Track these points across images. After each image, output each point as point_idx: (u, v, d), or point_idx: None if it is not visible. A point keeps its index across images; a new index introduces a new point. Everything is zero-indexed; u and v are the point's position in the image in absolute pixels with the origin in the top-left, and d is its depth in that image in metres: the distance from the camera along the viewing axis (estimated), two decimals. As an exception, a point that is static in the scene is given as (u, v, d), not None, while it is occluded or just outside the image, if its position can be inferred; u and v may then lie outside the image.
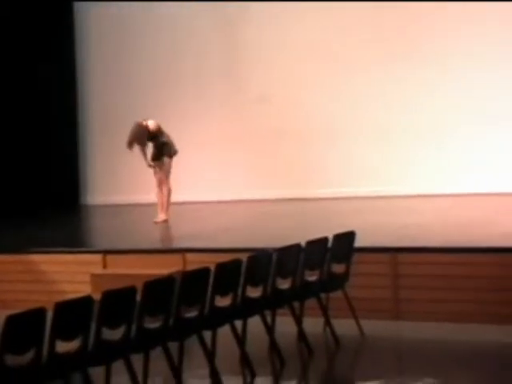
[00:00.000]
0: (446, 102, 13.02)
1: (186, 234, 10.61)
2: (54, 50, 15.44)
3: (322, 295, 7.27)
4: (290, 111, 14.08)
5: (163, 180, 11.33)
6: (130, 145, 11.26)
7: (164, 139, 11.29)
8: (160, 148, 11.28)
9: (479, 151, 12.82)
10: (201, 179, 14.45)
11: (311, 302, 7.19)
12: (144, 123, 11.30)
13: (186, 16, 14.73)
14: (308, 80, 13.95)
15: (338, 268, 7.34)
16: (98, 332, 5.26)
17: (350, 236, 7.50)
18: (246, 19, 14.35)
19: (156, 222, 11.30)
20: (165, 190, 11.35)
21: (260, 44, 14.28)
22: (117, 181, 15.19)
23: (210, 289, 6.09)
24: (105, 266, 9.18)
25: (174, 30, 14.84)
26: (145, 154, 11.34)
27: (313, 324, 7.21)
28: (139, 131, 11.27)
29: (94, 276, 8.85)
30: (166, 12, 14.81)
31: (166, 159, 11.29)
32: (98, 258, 9.21)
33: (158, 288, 5.75)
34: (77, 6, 15.70)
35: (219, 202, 13.81)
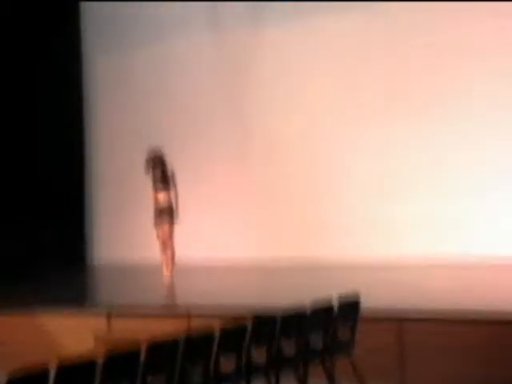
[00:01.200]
0: (460, 162, 12.90)
1: (191, 294, 10.58)
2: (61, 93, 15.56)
3: (327, 360, 7.20)
4: (295, 172, 14.08)
5: (166, 242, 11.33)
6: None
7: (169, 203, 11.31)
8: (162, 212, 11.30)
9: (487, 216, 12.74)
10: (206, 238, 14.45)
11: (316, 367, 7.11)
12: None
13: (192, 76, 14.90)
14: (318, 137, 13.96)
15: (344, 334, 7.28)
16: (101, 394, 5.21)
17: (355, 301, 7.45)
18: (255, 68, 14.42)
19: (162, 282, 11.26)
20: (169, 252, 11.35)
21: (269, 101, 14.33)
22: (123, 239, 15.21)
23: (214, 352, 6.04)
24: (109, 326, 9.13)
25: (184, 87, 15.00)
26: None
27: (318, 389, 7.13)
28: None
29: (97, 337, 8.80)
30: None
31: (166, 225, 11.29)
32: (102, 317, 9.16)
33: (162, 350, 5.70)
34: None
35: (225, 262, 13.77)
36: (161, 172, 11.38)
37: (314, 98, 13.93)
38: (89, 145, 15.99)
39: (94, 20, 15.94)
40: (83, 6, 16.09)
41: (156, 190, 11.36)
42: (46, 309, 9.68)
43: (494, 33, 12.49)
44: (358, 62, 13.59)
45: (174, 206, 11.32)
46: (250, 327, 6.40)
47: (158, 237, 11.45)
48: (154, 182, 11.38)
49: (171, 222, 11.29)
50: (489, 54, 12.55)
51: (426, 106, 13.08)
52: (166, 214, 11.28)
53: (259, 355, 6.50)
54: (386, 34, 13.33)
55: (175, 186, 11.38)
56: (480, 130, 12.66)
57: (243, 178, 14.47)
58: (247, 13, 14.43)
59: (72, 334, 9.23)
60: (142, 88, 15.39)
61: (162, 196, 11.34)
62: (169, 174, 11.38)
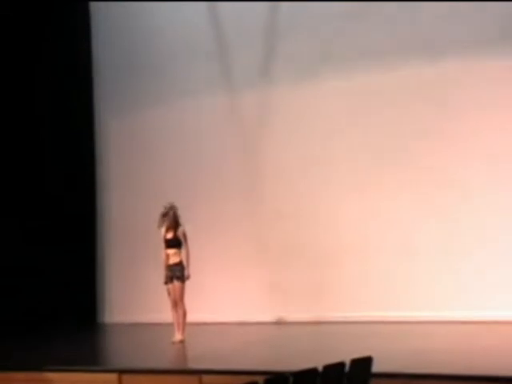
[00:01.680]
0: (465, 224, 12.97)
1: (202, 355, 10.56)
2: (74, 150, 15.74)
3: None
4: (303, 231, 14.04)
5: (178, 301, 11.36)
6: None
7: (180, 261, 11.38)
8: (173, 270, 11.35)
9: (496, 277, 12.73)
10: (216, 299, 14.42)
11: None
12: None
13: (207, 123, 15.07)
14: (320, 200, 14.00)
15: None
16: None
17: (367, 361, 7.44)
18: (268, 128, 14.54)
19: (173, 343, 11.27)
20: (180, 311, 11.37)
21: (283, 161, 14.40)
22: (134, 299, 15.19)
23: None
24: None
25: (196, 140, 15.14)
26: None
27: None
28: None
29: (108, 396, 8.80)
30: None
31: (176, 283, 11.33)
32: (113, 377, 9.16)
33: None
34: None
35: (235, 323, 13.75)
36: (173, 229, 11.44)
37: (325, 158, 14.01)
38: (100, 201, 16.05)
39: (105, 81, 16.13)
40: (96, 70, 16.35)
41: (167, 247, 11.42)
42: (56, 368, 9.68)
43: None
44: (371, 119, 13.70)
45: (184, 263, 11.38)
46: (261, 388, 6.40)
47: (168, 294, 11.48)
48: (166, 239, 11.44)
49: (182, 280, 11.33)
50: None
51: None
52: (177, 272, 11.32)
53: (271, 416, 6.48)
54: (400, 91, 13.49)
55: (186, 243, 11.44)
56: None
57: (253, 238, 14.50)
58: (260, 73, 14.61)
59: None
60: (155, 147, 15.49)
61: (172, 253, 11.40)
62: (180, 231, 11.44)
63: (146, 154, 15.55)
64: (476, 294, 12.72)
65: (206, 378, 8.69)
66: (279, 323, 13.67)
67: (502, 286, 12.55)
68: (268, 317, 13.81)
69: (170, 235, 11.42)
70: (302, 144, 14.22)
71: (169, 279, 11.38)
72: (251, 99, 14.67)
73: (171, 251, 11.39)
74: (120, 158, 15.87)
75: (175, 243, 11.38)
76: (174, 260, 11.39)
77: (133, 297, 15.22)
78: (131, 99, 15.74)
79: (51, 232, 15.36)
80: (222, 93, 14.92)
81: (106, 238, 15.95)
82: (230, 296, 14.43)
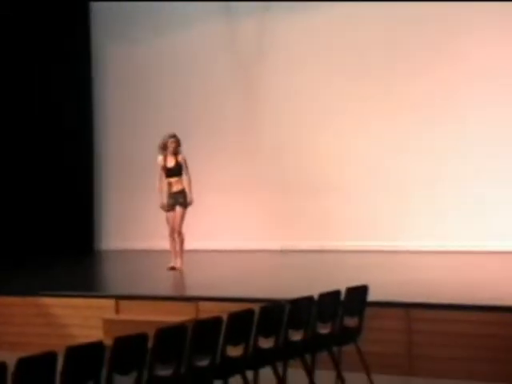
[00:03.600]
0: (461, 156, 12.97)
1: (199, 282, 10.61)
2: (73, 89, 15.62)
3: (334, 348, 7.22)
4: (304, 162, 14.10)
5: (177, 228, 11.34)
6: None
7: (183, 188, 11.33)
8: (175, 197, 11.32)
9: (495, 208, 12.75)
10: (215, 227, 14.48)
11: (323, 355, 7.14)
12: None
13: (203, 58, 14.90)
14: (324, 130, 13.99)
15: (351, 321, 7.29)
16: (109, 378, 5.24)
17: (363, 289, 7.46)
18: (266, 61, 14.42)
19: (170, 269, 11.29)
20: (179, 238, 11.36)
21: (275, 93, 14.35)
22: (131, 226, 15.24)
23: (221, 338, 6.07)
24: (117, 312, 9.17)
25: (196, 76, 15.00)
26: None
27: (324, 377, 7.15)
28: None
29: (105, 321, 8.84)
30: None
31: (178, 209, 11.31)
32: (110, 303, 9.20)
33: (170, 335, 5.73)
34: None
35: (233, 251, 13.81)
36: (174, 157, 11.36)
37: (325, 91, 13.93)
38: (98, 133, 15.99)
39: (103, 13, 15.87)
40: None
41: (169, 176, 11.34)
42: (54, 293, 9.72)
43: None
44: (370, 54, 13.61)
45: (187, 190, 11.33)
46: (257, 315, 6.42)
47: (167, 222, 11.45)
48: (167, 168, 11.35)
49: (185, 206, 11.29)
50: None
51: (430, 98, 13.17)
52: (180, 199, 11.28)
53: (267, 343, 6.52)
54: (395, 26, 13.36)
55: (188, 169, 11.37)
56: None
57: (254, 169, 14.48)
58: (259, 6, 14.40)
59: (80, 316, 9.27)
60: (152, 80, 15.38)
61: (174, 181, 11.33)
62: (181, 158, 11.37)
63: (143, 86, 15.45)
64: (476, 224, 12.77)
65: (202, 304, 8.72)
66: (283, 251, 13.73)
67: (501, 216, 12.61)
68: (267, 245, 13.87)
69: (171, 164, 11.33)
70: (303, 78, 14.14)
71: (171, 207, 11.33)
72: (251, 32, 14.52)
73: (173, 179, 11.32)
74: (117, 90, 15.78)
75: (177, 171, 11.32)
76: (177, 188, 11.33)
77: (130, 224, 15.27)
78: (129, 30, 15.55)
79: (50, 163, 15.35)
80: (221, 25, 14.75)
81: (104, 167, 15.93)
82: (229, 225, 14.48)
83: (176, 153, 11.33)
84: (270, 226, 14.25)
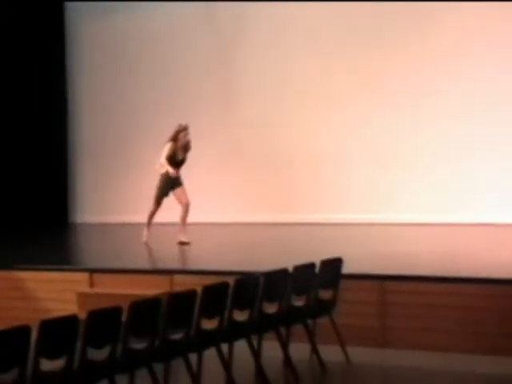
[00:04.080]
0: (436, 130, 13.05)
1: (174, 255, 10.59)
2: (45, 65, 15.47)
3: (309, 321, 7.24)
4: (282, 136, 14.11)
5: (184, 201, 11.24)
6: None
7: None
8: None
9: (470, 181, 12.82)
10: (195, 200, 14.42)
11: (298, 328, 7.16)
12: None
13: (181, 32, 14.79)
14: (301, 105, 14.00)
15: (326, 294, 7.32)
16: (83, 352, 5.22)
17: (337, 262, 7.48)
18: (241, 44, 14.40)
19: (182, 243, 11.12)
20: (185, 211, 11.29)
21: (255, 65, 14.33)
22: (106, 200, 15.19)
23: (196, 311, 6.06)
24: (91, 285, 9.13)
25: (169, 46, 14.89)
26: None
27: (299, 350, 7.18)
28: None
29: (80, 295, 8.81)
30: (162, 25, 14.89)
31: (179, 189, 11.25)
32: (84, 276, 9.17)
33: (145, 309, 5.72)
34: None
35: (208, 224, 13.79)
36: (184, 152, 11.18)
37: (306, 64, 13.93)
38: (72, 107, 15.88)
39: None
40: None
41: (177, 166, 11.16)
42: (28, 267, 9.66)
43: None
44: (348, 33, 13.63)
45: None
46: (232, 288, 6.42)
47: (154, 206, 11.26)
48: (178, 160, 11.13)
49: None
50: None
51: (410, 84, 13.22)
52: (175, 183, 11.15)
53: (241, 316, 6.53)
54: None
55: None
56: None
57: (233, 145, 14.46)
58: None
59: (55, 290, 9.23)
60: (128, 57, 15.27)
61: (175, 172, 11.16)
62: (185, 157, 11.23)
63: (120, 65, 15.33)
64: (452, 196, 12.84)
65: (177, 277, 8.70)
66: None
67: (476, 190, 12.70)
68: (243, 219, 13.86)
69: (181, 156, 11.17)
70: (278, 55, 14.12)
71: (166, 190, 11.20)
72: (227, 9, 14.43)
73: (175, 169, 11.14)
74: (93, 66, 15.65)
75: (179, 164, 11.16)
76: (173, 174, 11.16)
77: (104, 197, 15.21)
78: (103, 13, 15.41)
79: (24, 137, 15.24)
80: (200, 6, 14.65)
81: (79, 141, 15.84)
82: (205, 199, 14.43)
83: (187, 150, 11.15)
84: (246, 199, 14.24)
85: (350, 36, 13.65)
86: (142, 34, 15.17)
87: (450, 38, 12.96)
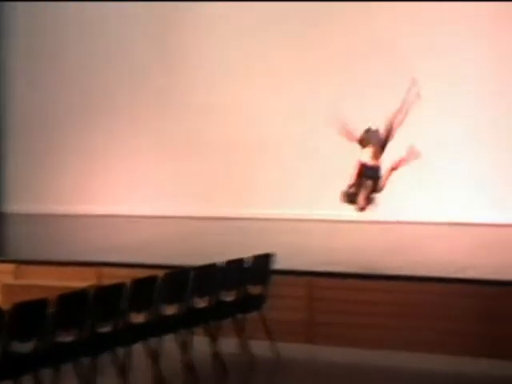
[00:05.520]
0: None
1: (104, 247, 10.45)
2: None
3: (239, 316, 7.23)
4: (222, 128, 14.01)
5: None
6: None
7: None
8: None
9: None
10: (128, 192, 14.27)
11: (227, 323, 7.14)
12: None
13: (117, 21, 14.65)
14: (234, 93, 13.93)
15: (255, 289, 7.32)
16: (7, 344, 5.11)
17: (267, 257, 7.48)
18: (177, 32, 14.29)
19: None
20: None
21: (188, 56, 14.23)
22: (35, 190, 14.92)
23: (125, 304, 5.99)
24: (17, 277, 8.96)
25: (106, 35, 14.72)
26: None
27: (229, 344, 7.16)
28: None
29: (5, 286, 8.63)
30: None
31: None
32: (10, 267, 9.00)
33: (72, 301, 5.63)
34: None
35: (145, 217, 13.64)
36: None
37: (237, 53, 13.89)
38: (3, 95, 15.58)
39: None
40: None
41: None
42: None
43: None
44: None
45: None
46: (161, 281, 6.37)
47: None
48: None
49: None
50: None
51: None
52: None
53: (170, 310, 6.48)
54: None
55: None
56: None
57: (162, 133, 14.34)
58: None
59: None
60: (60, 42, 15.03)
61: None
62: None
63: (52, 50, 15.06)
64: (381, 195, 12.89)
65: (105, 270, 8.59)
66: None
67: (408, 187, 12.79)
68: (173, 211, 13.74)
69: None
70: (213, 40, 14.03)
71: None
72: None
73: None
74: (21, 51, 15.37)
75: None
76: None
77: (34, 188, 14.93)
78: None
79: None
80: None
81: (8, 132, 15.53)
82: (136, 189, 14.30)
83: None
84: (182, 192, 14.13)
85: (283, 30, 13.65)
86: (74, 24, 14.93)
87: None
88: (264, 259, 7.45)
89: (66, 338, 5.54)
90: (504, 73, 12.43)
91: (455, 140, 12.61)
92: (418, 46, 12.70)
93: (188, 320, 6.68)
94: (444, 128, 12.60)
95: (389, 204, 12.62)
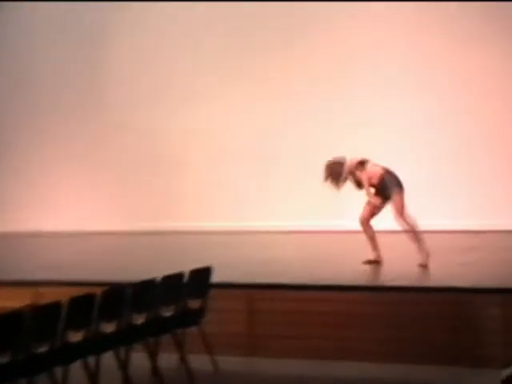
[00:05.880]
0: (307, 140, 13.19)
1: (40, 265, 10.33)
2: None
3: (178, 331, 7.20)
4: (150, 141, 13.98)
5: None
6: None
7: None
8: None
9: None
10: (59, 208, 14.12)
11: (167, 338, 7.10)
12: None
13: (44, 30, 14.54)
14: (169, 107, 13.92)
15: (194, 303, 7.30)
16: None
17: (206, 271, 7.47)
18: (108, 44, 14.25)
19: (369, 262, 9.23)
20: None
21: (122, 67, 14.19)
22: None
23: (62, 323, 5.92)
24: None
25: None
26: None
27: (168, 359, 7.13)
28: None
29: None
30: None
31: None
32: None
33: (7, 322, 5.55)
34: None
35: (77, 233, 13.52)
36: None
37: (177, 67, 13.90)
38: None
39: None
40: None
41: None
42: None
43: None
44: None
45: None
46: (99, 299, 6.31)
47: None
48: None
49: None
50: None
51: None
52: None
53: (109, 327, 6.43)
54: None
55: None
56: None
57: (99, 148, 14.24)
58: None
59: None
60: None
61: None
62: None
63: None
64: (323, 203, 12.94)
65: (42, 289, 8.46)
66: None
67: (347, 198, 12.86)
68: (115, 227, 13.64)
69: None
70: (146, 54, 14.01)
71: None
72: (92, 11, 14.26)
73: None
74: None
75: None
76: None
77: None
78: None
79: None
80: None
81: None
82: (75, 206, 14.16)
83: None
84: (116, 206, 14.04)
85: (226, 37, 13.67)
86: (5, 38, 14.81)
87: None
88: (203, 273, 7.43)
89: (1, 359, 5.45)
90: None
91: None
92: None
93: (127, 337, 6.64)
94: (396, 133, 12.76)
95: (321, 213, 12.81)
